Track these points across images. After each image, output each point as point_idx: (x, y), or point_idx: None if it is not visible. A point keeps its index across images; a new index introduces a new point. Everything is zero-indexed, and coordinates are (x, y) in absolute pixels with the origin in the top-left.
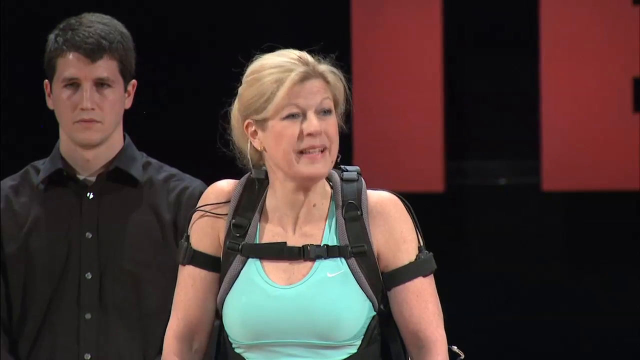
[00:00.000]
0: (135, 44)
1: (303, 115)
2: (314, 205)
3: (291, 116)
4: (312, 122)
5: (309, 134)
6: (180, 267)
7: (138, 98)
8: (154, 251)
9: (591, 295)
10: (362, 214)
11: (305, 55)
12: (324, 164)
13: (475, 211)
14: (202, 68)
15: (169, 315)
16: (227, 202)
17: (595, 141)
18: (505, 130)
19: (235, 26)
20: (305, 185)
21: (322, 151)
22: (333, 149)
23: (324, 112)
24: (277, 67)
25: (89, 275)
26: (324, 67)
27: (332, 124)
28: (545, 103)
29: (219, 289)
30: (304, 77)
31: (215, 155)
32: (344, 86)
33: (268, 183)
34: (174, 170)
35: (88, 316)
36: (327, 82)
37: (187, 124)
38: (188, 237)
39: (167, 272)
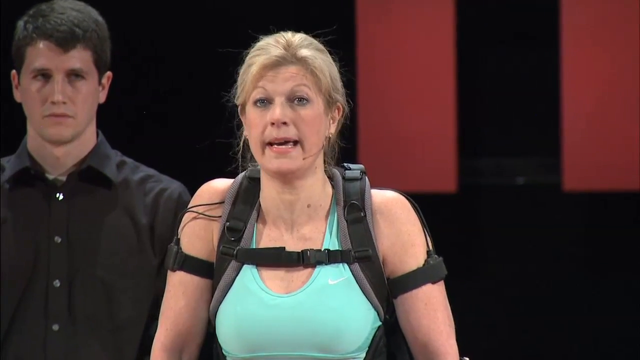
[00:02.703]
0: (111, 33)
1: (272, 102)
2: (309, 206)
3: (260, 102)
4: (274, 111)
5: (271, 124)
6: (170, 273)
7: (112, 92)
8: (129, 257)
9: (614, 300)
10: (365, 216)
11: (294, 37)
12: (291, 160)
13: (490, 213)
14: (198, 60)
15: (144, 328)
16: (221, 203)
17: (620, 138)
18: (523, 125)
19: (238, 17)
20: (280, 180)
21: (293, 144)
22: (307, 143)
23: (297, 101)
24: (259, 49)
25: (57, 283)
26: (308, 52)
27: (307, 115)
28: (567, 96)
29: (212, 297)
30: (278, 62)
31: (196, 156)
32: (335, 73)
33: None
34: (151, 171)
35: (56, 327)
36: (308, 68)
37: (166, 121)
38: (178, 240)
39: (142, 280)
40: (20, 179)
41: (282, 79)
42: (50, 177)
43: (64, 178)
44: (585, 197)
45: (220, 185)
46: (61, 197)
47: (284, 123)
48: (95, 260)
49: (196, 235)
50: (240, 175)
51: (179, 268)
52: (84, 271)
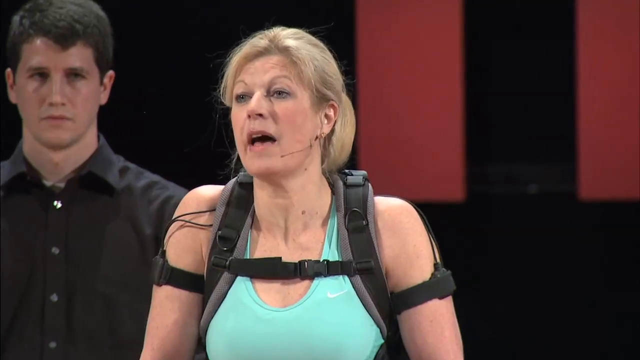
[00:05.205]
0: (113, 29)
1: (252, 96)
2: (303, 212)
3: (241, 98)
4: (251, 103)
5: (248, 117)
6: (156, 288)
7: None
8: (132, 270)
9: (632, 312)
10: (368, 224)
11: (284, 30)
12: (268, 158)
13: (501, 223)
14: (196, 58)
15: None
16: (211, 210)
17: (639, 143)
18: (536, 129)
19: (236, 15)
20: (268, 183)
21: (272, 142)
22: (284, 139)
23: (277, 94)
24: (245, 43)
25: (54, 298)
26: (293, 42)
27: (286, 108)
28: (583, 99)
29: (202, 312)
30: (259, 53)
31: (202, 161)
32: (328, 68)
33: None
34: (156, 177)
35: (53, 345)
36: (290, 58)
37: (171, 123)
38: (164, 252)
39: (146, 294)
40: (16, 186)
41: (262, 71)
42: (48, 183)
43: (62, 185)
44: (602, 206)
45: (208, 192)
46: (59, 205)
47: (260, 115)
48: (96, 273)
49: (183, 246)
50: (231, 181)
51: (166, 282)
52: (83, 285)
